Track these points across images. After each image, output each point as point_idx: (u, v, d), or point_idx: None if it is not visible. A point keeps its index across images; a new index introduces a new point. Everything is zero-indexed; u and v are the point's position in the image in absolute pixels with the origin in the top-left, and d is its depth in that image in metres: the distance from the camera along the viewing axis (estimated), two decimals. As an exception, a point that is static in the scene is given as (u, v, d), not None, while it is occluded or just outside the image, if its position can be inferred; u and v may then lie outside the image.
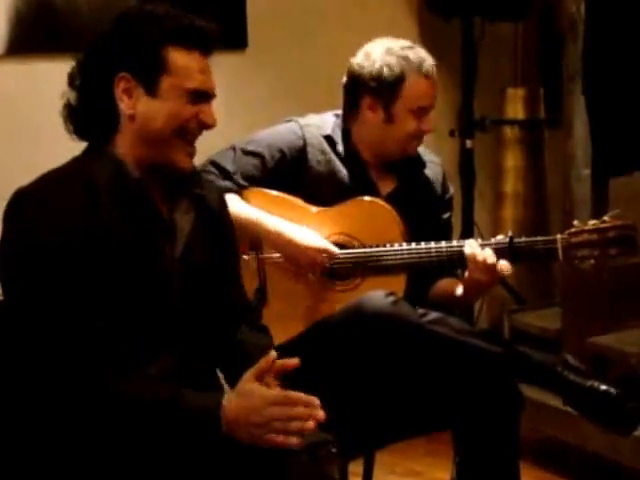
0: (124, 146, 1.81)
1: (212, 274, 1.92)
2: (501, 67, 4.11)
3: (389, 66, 2.49)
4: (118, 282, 1.74)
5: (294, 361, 1.78)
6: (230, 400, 1.71)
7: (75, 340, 1.69)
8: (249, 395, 1.71)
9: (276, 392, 1.73)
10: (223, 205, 2.02)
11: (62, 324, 1.69)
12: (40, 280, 1.69)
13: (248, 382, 1.73)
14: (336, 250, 2.47)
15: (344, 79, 2.59)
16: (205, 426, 1.70)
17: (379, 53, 2.51)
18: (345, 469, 2.45)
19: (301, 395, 1.72)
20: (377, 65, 2.50)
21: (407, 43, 2.54)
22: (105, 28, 1.84)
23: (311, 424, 1.71)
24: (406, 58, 2.49)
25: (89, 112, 1.82)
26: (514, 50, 4.13)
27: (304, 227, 2.48)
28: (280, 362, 1.77)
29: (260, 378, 1.73)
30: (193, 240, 1.87)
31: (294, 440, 1.70)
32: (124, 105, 1.79)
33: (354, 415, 2.35)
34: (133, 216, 1.78)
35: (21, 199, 1.75)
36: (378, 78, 2.50)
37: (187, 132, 1.82)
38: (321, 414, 1.72)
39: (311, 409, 1.71)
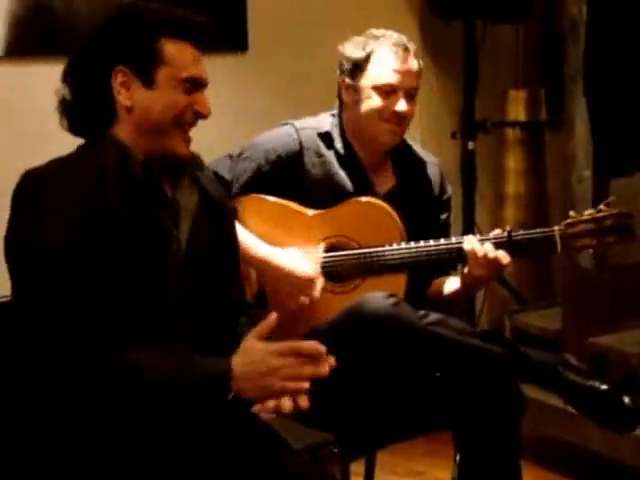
0: (125, 134, 1.84)
1: (215, 259, 1.94)
2: (502, 69, 4.11)
3: (360, 46, 2.52)
4: (128, 266, 1.75)
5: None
6: (234, 360, 1.72)
7: (85, 325, 1.70)
8: (251, 349, 1.72)
9: (280, 344, 1.73)
10: (224, 198, 2.05)
11: (74, 308, 1.70)
12: (52, 264, 1.70)
13: (249, 341, 1.74)
14: (321, 282, 2.47)
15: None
16: (216, 390, 1.71)
17: (359, 37, 2.55)
18: (347, 469, 2.46)
19: (306, 344, 1.74)
20: (351, 46, 2.54)
21: (394, 32, 2.55)
22: (97, 25, 1.87)
23: (325, 369, 1.72)
24: (378, 37, 2.52)
25: (86, 106, 1.84)
26: (515, 52, 4.13)
27: (295, 253, 2.47)
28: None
29: (261, 338, 1.74)
30: (197, 222, 1.90)
31: (306, 385, 1.71)
32: (122, 98, 1.82)
33: (356, 415, 2.36)
34: (140, 199, 1.81)
35: (32, 182, 1.76)
36: (349, 57, 2.53)
37: (183, 122, 1.85)
38: (332, 360, 1.74)
39: (319, 359, 1.72)
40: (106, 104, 1.83)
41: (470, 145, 3.67)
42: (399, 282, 2.50)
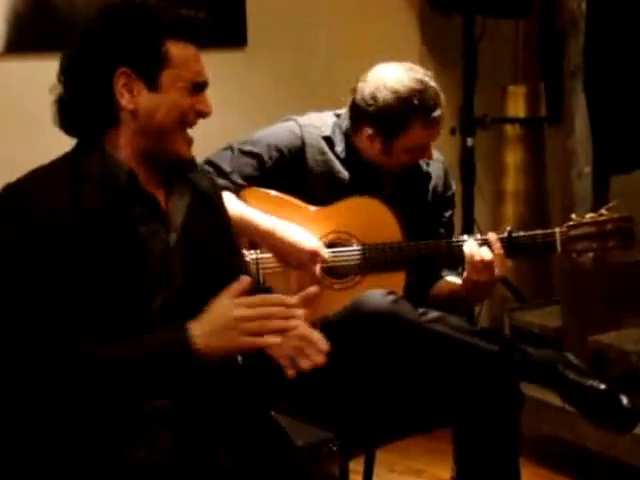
0: (120, 140, 1.81)
1: (211, 257, 1.92)
2: (502, 64, 4.11)
3: (394, 110, 2.45)
4: (110, 274, 1.74)
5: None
6: (191, 323, 1.70)
7: (69, 335, 1.69)
8: (211, 307, 1.71)
9: (249, 297, 1.71)
10: (216, 192, 2.03)
11: (48, 321, 1.69)
12: (28, 277, 1.70)
13: (216, 299, 1.72)
14: (327, 255, 2.46)
15: (349, 99, 2.55)
16: (176, 355, 1.69)
17: (386, 91, 2.46)
18: (346, 467, 2.45)
19: (272, 296, 1.73)
20: (381, 104, 2.46)
21: (417, 78, 2.46)
22: (94, 20, 1.83)
23: (294, 323, 1.70)
24: (412, 104, 2.44)
25: (85, 108, 1.81)
26: (515, 47, 4.13)
27: (299, 227, 2.48)
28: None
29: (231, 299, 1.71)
30: (189, 224, 1.87)
31: (273, 339, 1.68)
32: (125, 100, 1.79)
33: (355, 413, 2.36)
34: (124, 207, 1.79)
35: (8, 195, 1.76)
36: (382, 119, 2.47)
37: (186, 123, 1.84)
38: (300, 312, 1.71)
39: (289, 308, 1.70)
40: (106, 106, 1.80)
41: (469, 141, 3.66)
42: (398, 279, 2.51)
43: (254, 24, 3.48)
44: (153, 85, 1.79)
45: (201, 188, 1.94)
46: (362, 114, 2.51)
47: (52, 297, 1.70)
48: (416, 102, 2.45)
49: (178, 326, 1.71)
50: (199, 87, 1.84)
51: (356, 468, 2.61)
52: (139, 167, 1.82)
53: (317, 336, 1.78)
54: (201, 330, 1.69)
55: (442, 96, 2.49)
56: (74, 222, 1.72)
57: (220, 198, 2.04)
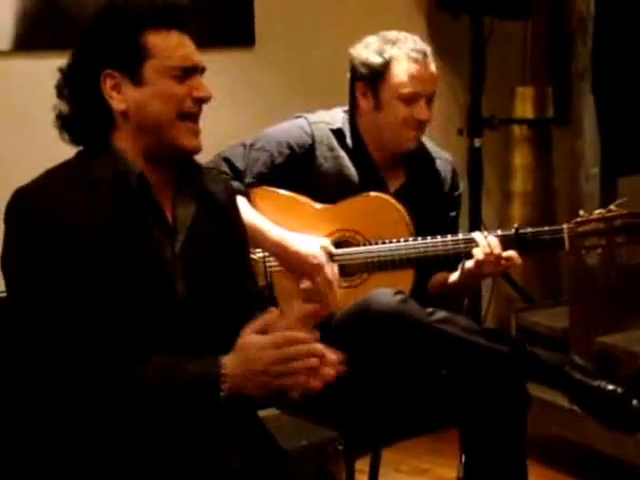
0: (124, 143, 1.79)
1: (217, 267, 1.89)
2: (510, 65, 4.10)
3: (377, 51, 2.50)
4: (121, 280, 1.72)
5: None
6: (226, 360, 1.68)
7: (75, 341, 1.68)
8: (244, 347, 1.69)
9: (274, 335, 1.69)
10: (231, 198, 1.99)
11: (63, 326, 1.68)
12: (42, 282, 1.68)
13: (244, 336, 1.70)
14: (330, 271, 2.45)
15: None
16: (207, 392, 1.67)
17: (373, 41, 2.52)
18: (352, 466, 2.45)
19: (297, 333, 1.69)
20: (364, 54, 2.51)
21: (406, 34, 2.53)
22: (83, 29, 1.82)
23: (314, 361, 1.67)
24: (395, 42, 2.49)
25: (83, 118, 1.80)
26: (523, 48, 4.13)
27: (307, 236, 2.47)
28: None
29: (258, 332, 1.70)
30: (194, 233, 1.84)
31: (302, 379, 1.66)
32: (115, 102, 1.76)
33: (361, 413, 2.35)
34: (134, 213, 1.76)
35: (21, 199, 1.73)
36: (366, 63, 2.51)
37: (186, 113, 1.79)
38: (320, 347, 1.68)
39: (310, 345, 1.67)
40: (103, 112, 1.77)
41: (477, 142, 3.65)
42: (406, 278, 2.50)
43: (262, 23, 3.48)
44: (138, 80, 1.76)
45: (211, 193, 1.91)
46: (353, 68, 2.55)
47: (76, 306, 1.68)
48: (399, 40, 2.50)
49: (213, 361, 1.69)
50: (189, 72, 1.79)
51: (362, 467, 2.61)
52: (149, 169, 1.80)
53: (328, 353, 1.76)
54: (233, 371, 1.67)
55: (429, 49, 2.52)
56: (93, 230, 1.71)
57: (234, 203, 2.00)
